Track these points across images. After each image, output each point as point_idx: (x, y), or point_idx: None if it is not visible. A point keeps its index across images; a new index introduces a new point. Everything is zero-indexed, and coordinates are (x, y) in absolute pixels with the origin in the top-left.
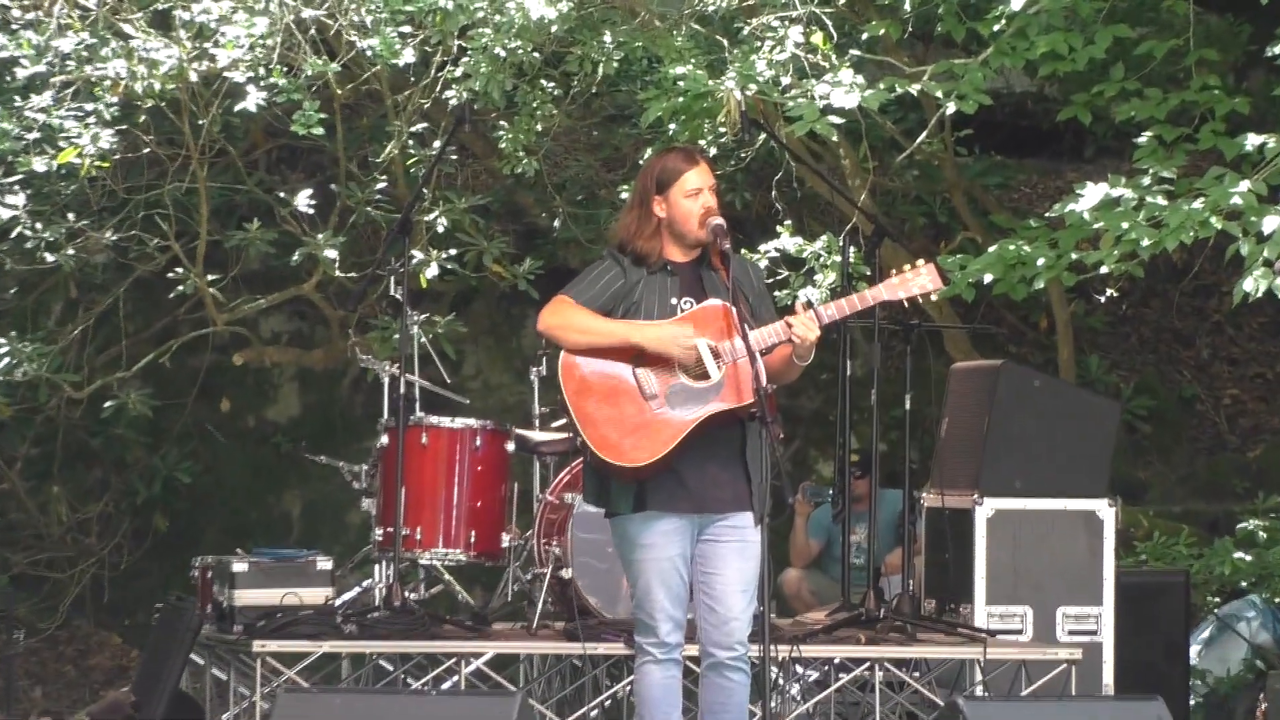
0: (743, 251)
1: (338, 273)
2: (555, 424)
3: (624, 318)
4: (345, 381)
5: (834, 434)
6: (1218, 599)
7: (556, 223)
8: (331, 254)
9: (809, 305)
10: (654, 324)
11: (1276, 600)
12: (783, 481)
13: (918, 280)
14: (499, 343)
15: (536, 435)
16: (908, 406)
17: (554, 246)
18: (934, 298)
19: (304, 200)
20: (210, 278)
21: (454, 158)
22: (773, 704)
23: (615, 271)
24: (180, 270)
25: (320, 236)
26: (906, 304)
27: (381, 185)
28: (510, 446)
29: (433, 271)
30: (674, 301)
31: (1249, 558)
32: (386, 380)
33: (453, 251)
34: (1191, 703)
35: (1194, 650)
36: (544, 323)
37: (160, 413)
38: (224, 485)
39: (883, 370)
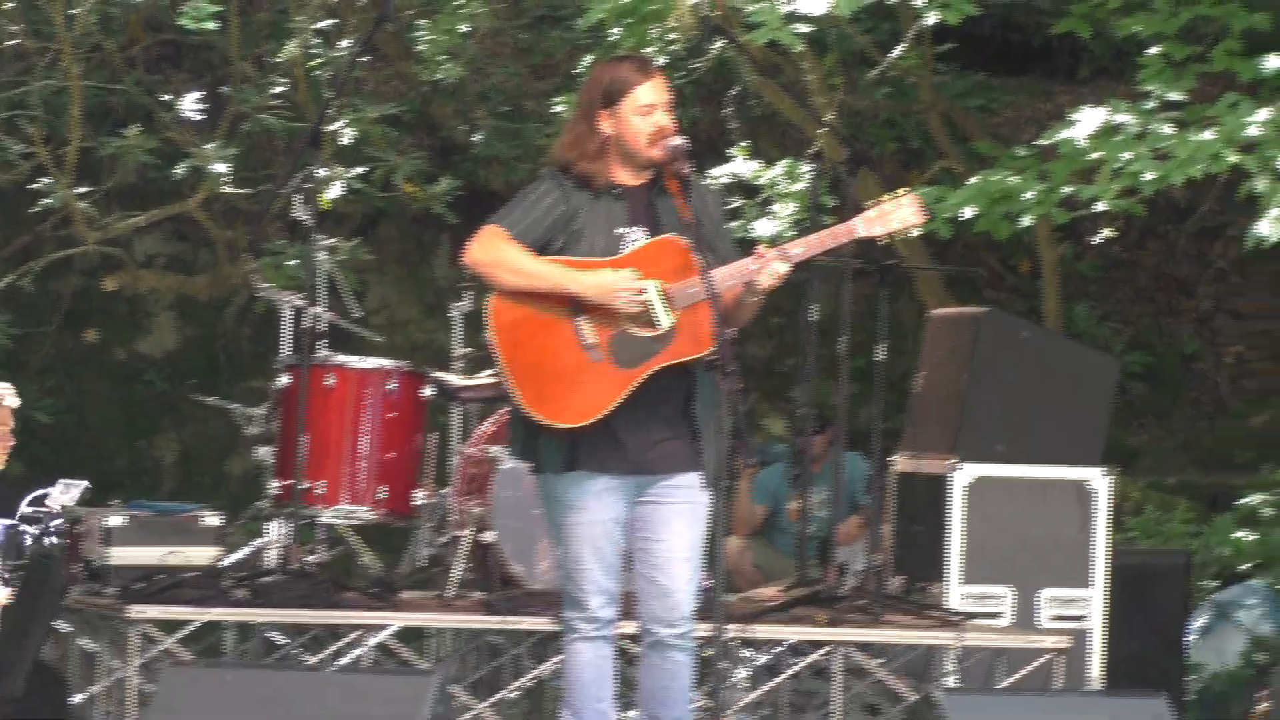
0: None
1: (227, 189)
2: (483, 374)
3: (563, 249)
4: (229, 312)
5: (785, 386)
6: (1216, 583)
7: (477, 137)
8: (221, 167)
9: (773, 243)
10: (596, 270)
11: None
12: (743, 439)
13: (898, 213)
14: (409, 272)
15: (458, 379)
16: (880, 357)
17: (473, 165)
18: (914, 233)
19: (190, 104)
20: (80, 190)
21: (364, 58)
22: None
23: (556, 196)
24: (46, 181)
25: (209, 147)
26: (886, 240)
27: (280, 89)
28: (428, 391)
29: (336, 191)
30: (620, 231)
31: (1252, 537)
32: (289, 313)
33: (359, 170)
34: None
35: (1188, 640)
36: (472, 257)
37: (19, 342)
38: (89, 427)
39: (847, 315)
